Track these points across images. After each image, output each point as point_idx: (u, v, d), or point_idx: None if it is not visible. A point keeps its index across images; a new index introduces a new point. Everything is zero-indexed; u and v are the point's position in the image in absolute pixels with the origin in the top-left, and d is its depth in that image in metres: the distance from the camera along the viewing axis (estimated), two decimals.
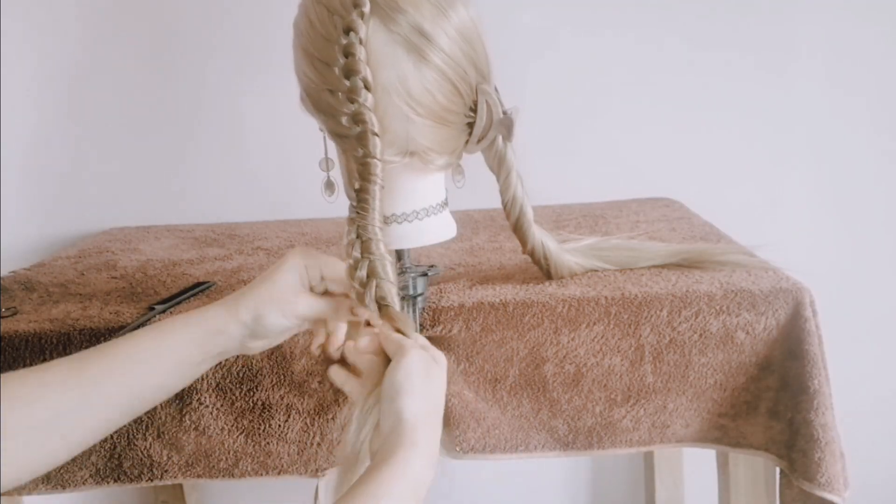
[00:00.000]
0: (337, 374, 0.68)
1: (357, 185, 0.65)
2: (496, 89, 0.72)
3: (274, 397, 0.78)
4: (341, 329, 0.70)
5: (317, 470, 0.81)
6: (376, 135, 0.65)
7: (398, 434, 0.58)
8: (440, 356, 0.65)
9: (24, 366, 0.78)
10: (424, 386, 0.61)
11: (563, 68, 1.25)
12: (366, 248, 0.65)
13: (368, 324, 0.66)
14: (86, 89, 1.26)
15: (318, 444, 0.80)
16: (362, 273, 0.64)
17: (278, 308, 0.65)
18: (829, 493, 0.76)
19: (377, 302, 0.65)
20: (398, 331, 0.65)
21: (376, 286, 0.64)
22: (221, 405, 0.78)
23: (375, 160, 0.65)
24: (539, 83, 1.24)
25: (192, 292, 0.87)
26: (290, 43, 0.72)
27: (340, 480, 0.62)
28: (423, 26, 0.65)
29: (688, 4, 1.23)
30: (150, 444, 0.79)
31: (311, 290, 0.68)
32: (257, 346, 0.68)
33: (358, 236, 0.65)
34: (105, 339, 0.77)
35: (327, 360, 0.70)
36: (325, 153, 0.76)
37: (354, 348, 0.67)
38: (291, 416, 0.79)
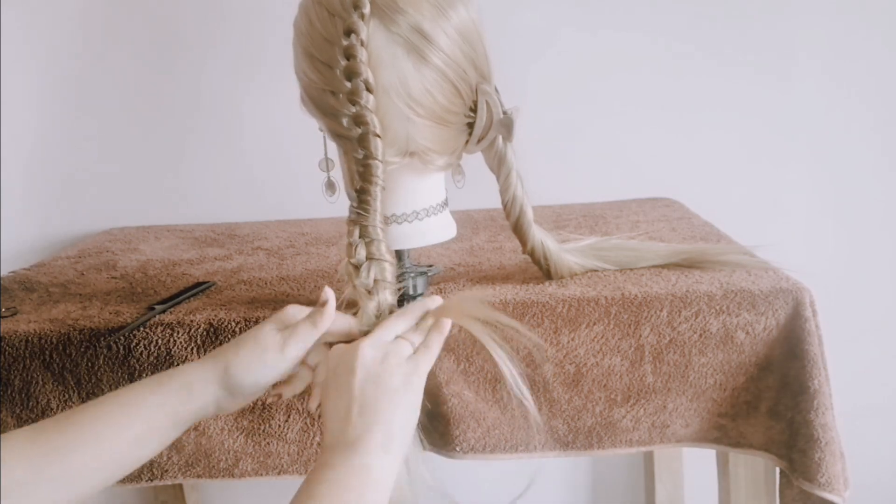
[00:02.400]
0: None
1: (358, 186, 0.66)
2: (496, 89, 0.72)
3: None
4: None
5: None
6: (378, 136, 0.65)
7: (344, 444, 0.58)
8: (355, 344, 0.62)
9: (24, 366, 0.78)
10: (338, 377, 0.60)
11: (563, 68, 1.25)
12: (369, 251, 0.65)
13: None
14: (86, 89, 1.26)
15: (318, 444, 0.80)
16: (368, 279, 0.64)
17: (262, 361, 0.63)
18: (829, 493, 0.76)
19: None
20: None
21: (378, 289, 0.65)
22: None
23: (377, 161, 0.65)
24: (539, 83, 1.24)
25: (192, 292, 0.87)
26: (290, 43, 0.72)
27: None
28: (422, 27, 0.65)
29: (688, 4, 1.23)
30: None
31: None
32: (236, 404, 0.65)
33: (361, 237, 0.65)
34: (105, 339, 0.77)
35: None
36: (325, 153, 0.76)
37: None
38: (291, 416, 0.79)
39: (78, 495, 0.59)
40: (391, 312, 0.66)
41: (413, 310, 0.67)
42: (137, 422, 0.60)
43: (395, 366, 0.61)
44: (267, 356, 0.63)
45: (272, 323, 0.65)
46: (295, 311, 0.66)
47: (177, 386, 0.62)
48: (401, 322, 0.65)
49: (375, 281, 0.65)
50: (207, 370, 0.63)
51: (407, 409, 0.60)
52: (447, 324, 0.65)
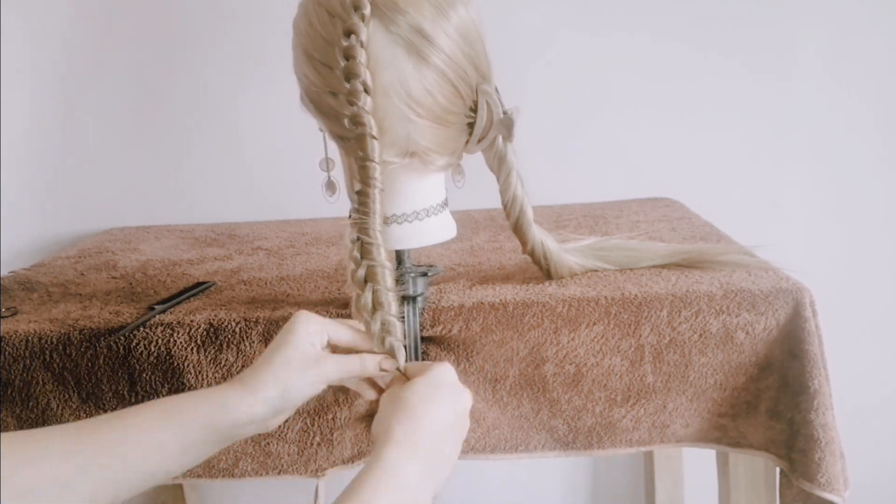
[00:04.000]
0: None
1: (358, 188, 0.66)
2: (496, 89, 0.72)
3: None
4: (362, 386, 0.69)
5: (317, 470, 0.81)
6: (375, 138, 0.65)
7: (381, 443, 0.58)
8: (458, 391, 0.64)
9: (24, 366, 0.78)
10: (420, 407, 0.60)
11: (563, 68, 1.25)
12: (366, 252, 0.65)
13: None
14: (86, 89, 1.26)
15: (318, 444, 0.80)
16: (366, 299, 0.64)
17: (304, 374, 0.62)
18: (829, 493, 0.76)
19: (373, 307, 0.65)
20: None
21: (374, 292, 0.64)
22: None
23: (374, 163, 0.65)
24: (539, 83, 1.24)
25: (192, 292, 0.87)
26: (290, 43, 0.72)
27: None
28: (422, 27, 0.65)
29: (688, 4, 1.23)
30: None
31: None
32: (276, 422, 0.65)
33: (359, 238, 0.65)
34: (105, 339, 0.77)
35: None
36: (326, 153, 0.76)
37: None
38: (291, 416, 0.79)
39: (115, 498, 0.58)
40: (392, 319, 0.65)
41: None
42: (174, 431, 0.59)
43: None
44: (310, 373, 0.63)
45: (311, 332, 0.64)
46: (335, 329, 0.66)
47: (220, 408, 0.61)
48: None
49: (366, 280, 0.64)
50: (256, 393, 0.61)
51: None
52: None
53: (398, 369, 0.65)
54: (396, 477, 0.56)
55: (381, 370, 0.65)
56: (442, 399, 0.62)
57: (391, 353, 0.65)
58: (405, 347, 0.66)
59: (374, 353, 0.65)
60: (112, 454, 0.57)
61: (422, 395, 0.61)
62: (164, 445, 0.59)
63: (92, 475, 0.56)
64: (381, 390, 0.67)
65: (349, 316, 0.69)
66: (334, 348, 0.66)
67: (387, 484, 0.55)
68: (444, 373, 0.63)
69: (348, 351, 0.66)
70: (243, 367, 0.78)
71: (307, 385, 0.63)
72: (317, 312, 0.77)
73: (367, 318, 0.64)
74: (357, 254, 0.65)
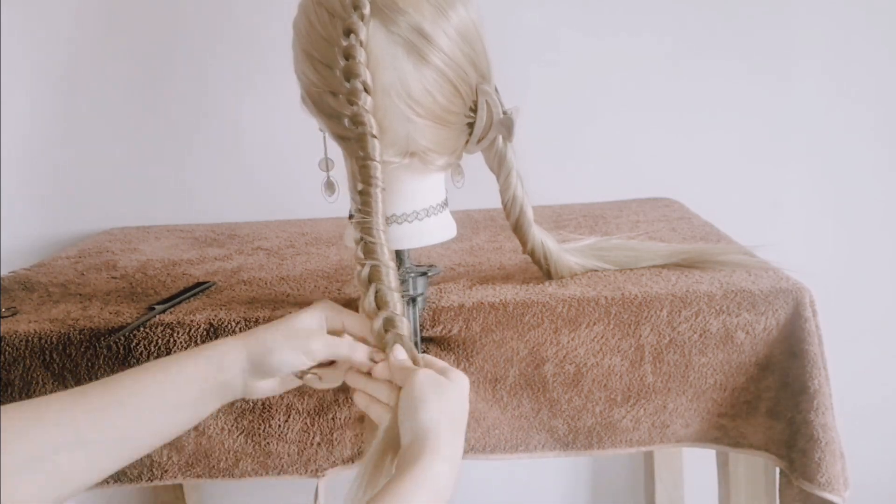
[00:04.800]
0: (360, 398, 0.68)
1: (360, 188, 0.66)
2: (496, 89, 0.72)
3: (274, 397, 0.78)
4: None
5: (317, 470, 0.81)
6: (375, 137, 0.65)
7: (419, 443, 0.58)
8: (457, 375, 0.64)
9: (24, 366, 0.78)
10: (437, 399, 0.61)
11: (563, 68, 1.25)
12: (369, 251, 0.65)
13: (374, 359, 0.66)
14: (86, 89, 1.26)
15: (318, 444, 0.80)
16: (370, 299, 0.65)
17: (290, 344, 0.64)
18: (829, 493, 0.76)
19: (377, 305, 0.65)
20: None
21: (377, 292, 0.65)
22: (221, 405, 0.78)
23: (374, 162, 0.65)
24: (539, 83, 1.24)
25: (192, 292, 0.87)
26: (290, 43, 0.72)
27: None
28: (422, 27, 0.65)
29: (688, 5, 1.23)
30: None
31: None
32: (263, 388, 0.66)
33: (362, 238, 0.65)
34: (105, 339, 0.77)
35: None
36: (325, 153, 0.76)
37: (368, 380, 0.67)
38: (291, 416, 0.79)
39: (117, 461, 0.60)
40: (397, 334, 0.66)
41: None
42: (173, 388, 0.61)
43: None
44: (295, 342, 0.64)
45: (319, 313, 0.67)
46: (353, 323, 0.68)
47: (212, 355, 0.63)
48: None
49: (370, 280, 0.65)
50: (238, 343, 0.64)
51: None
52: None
53: (415, 363, 0.65)
54: (432, 479, 0.57)
55: (372, 361, 0.66)
56: (461, 400, 0.64)
57: (394, 348, 0.65)
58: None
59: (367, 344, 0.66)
60: (112, 415, 0.58)
61: (455, 398, 0.63)
62: (168, 402, 0.61)
63: (93, 437, 0.57)
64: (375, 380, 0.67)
65: None
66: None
67: (425, 488, 0.56)
68: (459, 377, 0.65)
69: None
70: None
71: (290, 351, 0.64)
72: None
73: (372, 316, 0.65)
74: (361, 254, 0.65)
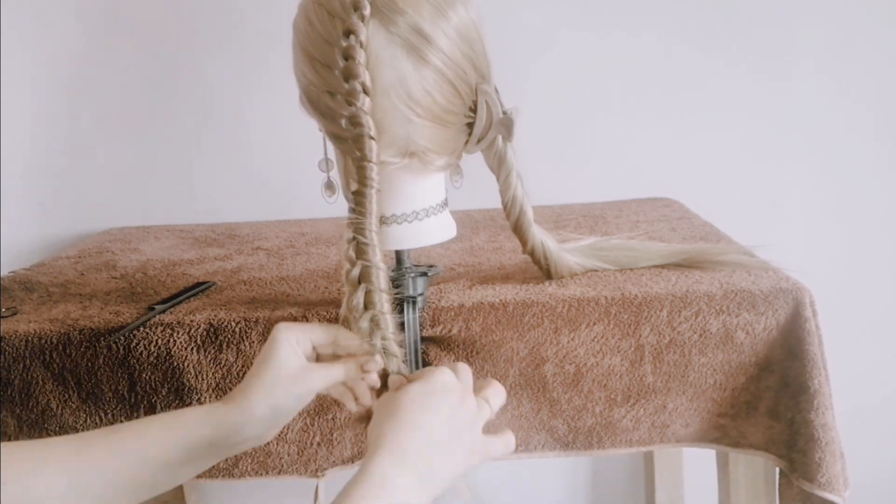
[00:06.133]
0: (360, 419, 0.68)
1: (354, 188, 0.66)
2: (496, 89, 0.72)
3: None
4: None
5: (317, 470, 0.81)
6: (372, 139, 0.65)
7: (374, 445, 0.58)
8: (458, 401, 0.62)
9: (24, 366, 0.78)
10: (412, 414, 0.59)
11: (563, 68, 1.25)
12: (361, 253, 0.65)
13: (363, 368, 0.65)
14: (86, 89, 1.26)
15: (318, 444, 0.80)
16: (358, 300, 0.64)
17: (291, 389, 0.62)
18: (829, 493, 0.76)
19: (365, 306, 0.65)
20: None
21: (366, 292, 0.64)
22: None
23: (371, 164, 0.65)
24: (539, 83, 1.24)
25: (192, 292, 0.87)
26: (290, 43, 0.72)
27: None
28: (422, 27, 0.65)
29: (688, 5, 1.23)
30: None
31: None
32: (271, 436, 0.66)
33: (354, 239, 0.65)
34: (105, 339, 0.77)
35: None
36: (325, 154, 0.76)
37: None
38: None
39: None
40: (386, 347, 0.65)
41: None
42: (175, 446, 0.60)
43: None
44: (295, 388, 0.63)
45: (289, 341, 0.64)
46: (319, 334, 0.66)
47: (217, 424, 0.62)
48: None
49: (360, 280, 0.64)
50: (244, 410, 0.62)
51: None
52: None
53: (400, 373, 0.65)
54: (387, 486, 0.55)
55: (363, 371, 0.65)
56: (437, 408, 0.60)
57: (381, 353, 0.64)
58: (400, 346, 0.66)
59: (356, 357, 0.65)
60: (114, 465, 0.58)
61: (415, 401, 0.60)
62: (166, 458, 0.60)
63: (90, 486, 0.57)
64: (379, 392, 0.67)
65: None
66: (318, 354, 0.67)
67: (377, 493, 0.55)
68: (441, 379, 0.62)
69: (334, 354, 0.67)
70: (243, 367, 0.78)
71: (295, 398, 0.63)
72: (316, 312, 0.78)
73: (357, 317, 0.64)
74: (352, 253, 0.65)
